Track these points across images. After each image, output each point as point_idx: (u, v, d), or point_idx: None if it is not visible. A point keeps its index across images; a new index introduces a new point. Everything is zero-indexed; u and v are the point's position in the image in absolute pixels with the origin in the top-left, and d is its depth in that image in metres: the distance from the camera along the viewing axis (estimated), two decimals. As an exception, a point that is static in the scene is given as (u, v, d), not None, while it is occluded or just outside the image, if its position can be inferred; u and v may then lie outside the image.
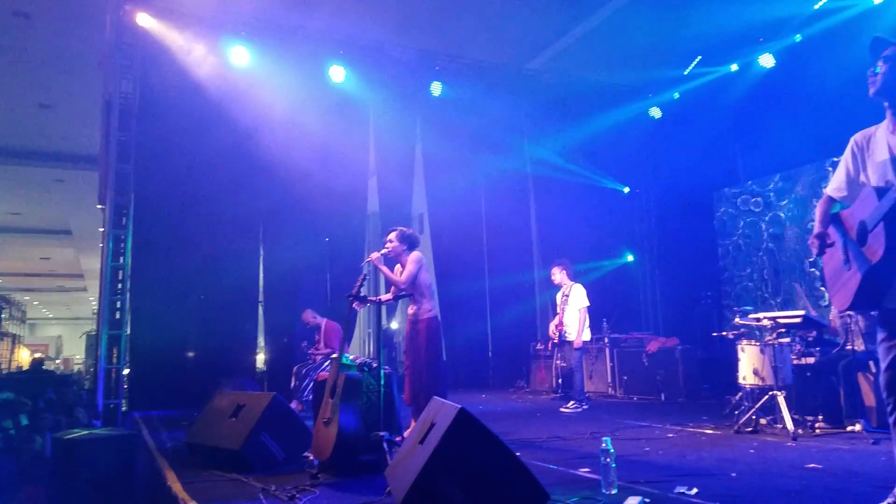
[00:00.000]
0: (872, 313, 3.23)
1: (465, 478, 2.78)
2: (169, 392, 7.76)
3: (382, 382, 4.27)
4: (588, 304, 7.81)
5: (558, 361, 9.10)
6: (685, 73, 10.69)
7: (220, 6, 8.30)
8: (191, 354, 8.43)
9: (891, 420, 3.03)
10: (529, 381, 10.16)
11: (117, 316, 7.97)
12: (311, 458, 4.38)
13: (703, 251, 10.65)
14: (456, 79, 10.12)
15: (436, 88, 10.03)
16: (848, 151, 3.22)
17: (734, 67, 10.21)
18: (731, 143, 10.38)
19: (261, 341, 9.63)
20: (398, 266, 5.65)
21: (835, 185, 3.28)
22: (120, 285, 8.05)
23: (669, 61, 10.35)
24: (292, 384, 7.58)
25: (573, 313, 7.82)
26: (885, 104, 3.01)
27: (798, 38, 9.13)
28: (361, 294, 4.55)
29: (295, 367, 7.75)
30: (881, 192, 2.87)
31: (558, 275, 8.10)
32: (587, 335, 7.87)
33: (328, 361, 7.04)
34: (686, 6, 8.55)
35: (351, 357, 4.66)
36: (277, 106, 8.70)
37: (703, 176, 10.65)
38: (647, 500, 3.37)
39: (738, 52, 9.84)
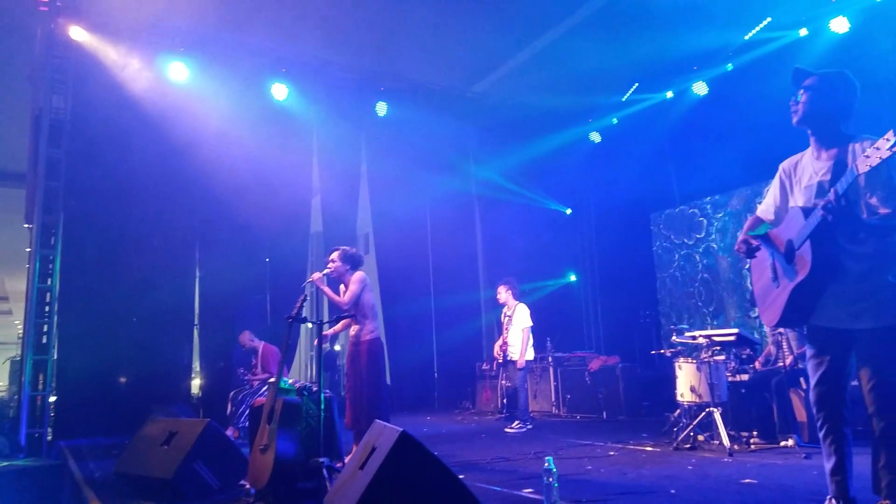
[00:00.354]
0: (800, 330, 3.35)
1: (408, 501, 2.72)
2: (98, 420, 7.42)
3: (323, 407, 4.17)
4: (531, 324, 7.85)
5: (503, 381, 9.12)
6: (623, 99, 10.96)
7: (159, 21, 8.08)
8: (122, 380, 8.08)
9: (821, 435, 3.13)
10: (475, 401, 10.13)
11: (44, 340, 7.56)
12: (248, 486, 4.25)
13: (641, 271, 10.91)
14: (401, 99, 10.11)
15: (381, 108, 10.01)
16: (776, 178, 3.38)
17: (669, 94, 10.51)
18: (666, 166, 10.67)
19: (196, 366, 9.33)
20: (342, 286, 5.57)
21: (763, 207, 3.43)
22: (47, 308, 7.65)
23: (609, 87, 10.61)
24: (228, 410, 7.36)
25: (517, 333, 7.84)
26: (809, 131, 3.16)
27: (730, 66, 9.46)
28: (302, 315, 4.45)
29: (231, 393, 7.52)
30: (807, 211, 2.98)
31: (503, 294, 8.12)
32: (530, 355, 7.90)
33: (266, 386, 6.87)
34: (625, 35, 8.79)
35: (290, 381, 4.55)
36: (217, 123, 8.52)
37: (641, 198, 10.95)
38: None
39: (674, 79, 10.15)
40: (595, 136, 11.85)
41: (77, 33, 7.89)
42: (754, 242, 3.24)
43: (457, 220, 11.12)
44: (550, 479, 3.57)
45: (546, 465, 3.62)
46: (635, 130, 11.03)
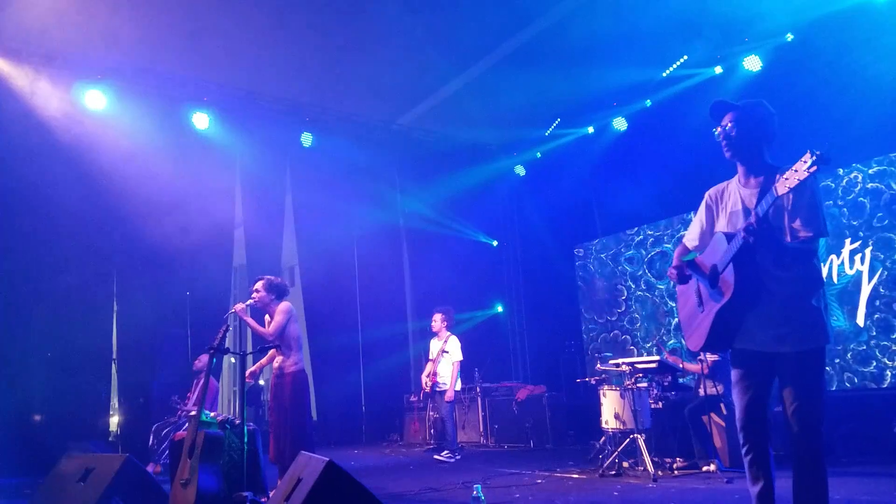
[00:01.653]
0: (723, 355, 3.42)
1: (334, 533, 2.67)
2: (11, 458, 7.02)
3: (246, 440, 4.05)
4: (462, 357, 7.85)
5: (431, 413, 9.10)
6: (546, 133, 11.27)
7: (76, 48, 7.83)
8: (37, 418, 7.71)
9: (747, 459, 3.12)
10: (403, 434, 10.04)
11: None
12: (168, 525, 4.07)
13: (565, 301, 11.12)
14: (327, 130, 10.13)
15: (306, 139, 9.98)
16: (703, 205, 3.43)
17: (591, 129, 10.88)
18: (589, 200, 10.98)
19: (114, 402, 8.90)
20: (266, 317, 5.46)
21: (690, 235, 3.48)
22: None
23: (532, 122, 10.90)
24: (150, 443, 7.04)
25: (447, 365, 7.82)
26: (736, 161, 3.22)
27: (648, 103, 9.87)
28: (224, 346, 4.34)
29: (154, 426, 7.21)
30: (730, 236, 3.06)
31: (439, 322, 8.05)
32: (458, 386, 7.89)
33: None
34: (546, 71, 9.07)
35: (213, 414, 4.41)
36: (136, 152, 8.31)
37: (565, 230, 11.23)
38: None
39: (595, 115, 10.52)
40: (520, 170, 12.12)
41: None
42: (687, 271, 3.30)
43: (384, 252, 11.12)
44: (480, 507, 3.58)
45: (475, 492, 3.63)
46: (558, 164, 11.33)
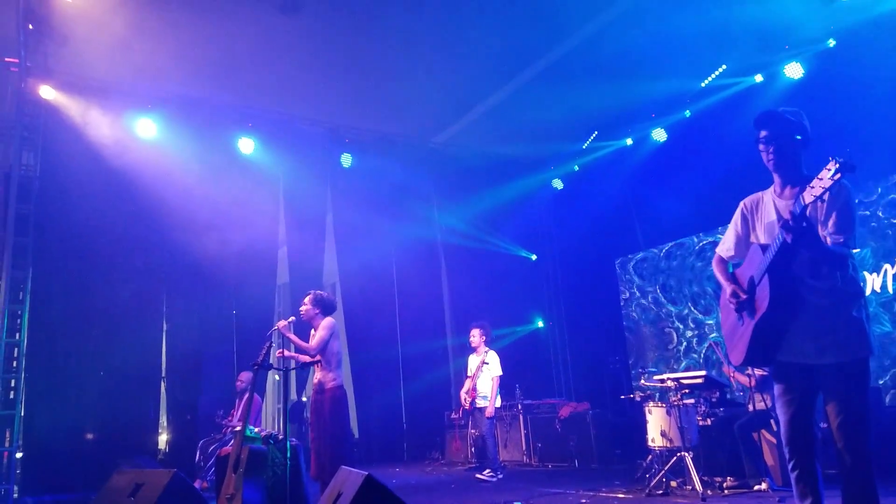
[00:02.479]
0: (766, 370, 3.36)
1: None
2: (65, 476, 7.32)
3: (289, 455, 4.09)
4: (501, 372, 7.76)
5: (472, 431, 9.02)
6: (584, 146, 11.21)
7: (126, 80, 8.23)
8: (89, 436, 7.94)
9: (793, 477, 3.07)
10: (444, 452, 9.97)
11: (11, 395, 7.45)
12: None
13: (608, 315, 10.97)
14: (365, 150, 10.31)
15: (346, 160, 10.17)
16: (738, 214, 3.41)
17: (629, 141, 10.78)
18: (629, 212, 10.85)
19: (163, 420, 9.09)
20: (312, 330, 5.54)
21: (725, 245, 3.45)
22: (15, 363, 7.56)
23: (569, 135, 10.87)
24: (196, 458, 7.16)
25: (487, 381, 7.73)
26: (775, 172, 3.22)
27: (688, 113, 9.73)
28: (268, 363, 4.40)
29: (200, 442, 7.35)
30: (765, 248, 3.05)
31: (477, 337, 7.97)
32: (498, 402, 7.82)
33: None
34: (582, 86, 9.03)
35: (256, 430, 4.46)
36: (184, 178, 8.58)
37: (605, 244, 11.11)
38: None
39: (633, 126, 10.43)
40: (557, 183, 12.06)
41: (47, 92, 8.04)
42: (743, 296, 3.15)
43: (422, 268, 11.15)
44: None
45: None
46: (597, 177, 11.26)
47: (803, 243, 2.86)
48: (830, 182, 2.64)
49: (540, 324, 11.79)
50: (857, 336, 2.94)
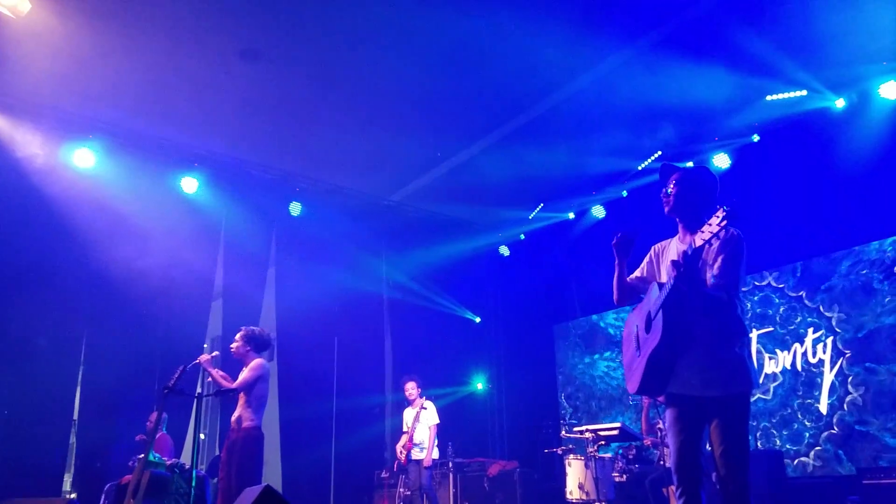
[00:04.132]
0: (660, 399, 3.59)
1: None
2: None
3: (194, 485, 4.03)
4: (439, 421, 7.87)
5: (402, 490, 8.88)
6: (530, 216, 11.54)
7: (67, 106, 8.01)
8: None
9: (679, 502, 3.26)
10: (372, 511, 9.76)
11: None
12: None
13: (545, 379, 11.09)
14: (316, 201, 10.27)
15: (294, 208, 10.11)
16: (647, 256, 3.74)
17: (571, 215, 11.19)
18: (569, 281, 11.16)
19: (70, 464, 8.66)
20: (244, 368, 5.49)
21: (635, 275, 3.76)
22: None
23: (518, 204, 11.16)
24: (101, 502, 6.87)
25: (424, 430, 7.81)
26: (677, 219, 3.54)
27: (624, 193, 10.20)
28: (179, 387, 4.37)
29: (107, 486, 7.06)
30: (661, 286, 3.31)
31: (414, 391, 8.14)
32: (436, 454, 7.84)
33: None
34: (534, 154, 9.38)
35: (165, 459, 4.38)
36: (120, 212, 8.38)
37: (545, 310, 11.35)
38: None
39: (575, 201, 10.85)
40: (504, 250, 12.34)
41: None
42: (631, 237, 3.63)
43: (366, 323, 11.12)
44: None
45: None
46: (540, 246, 11.61)
47: (690, 284, 3.10)
48: (718, 228, 2.90)
49: (479, 385, 11.80)
50: (739, 371, 3.18)
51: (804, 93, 7.63)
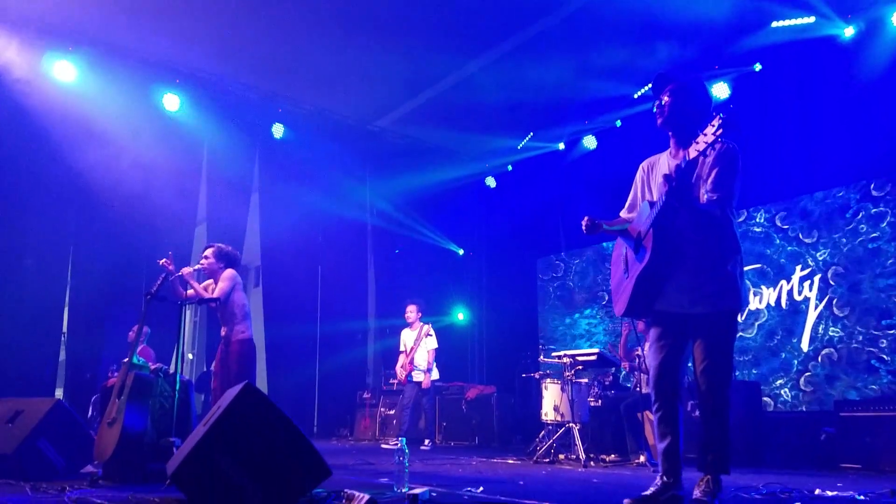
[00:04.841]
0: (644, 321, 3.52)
1: (246, 452, 2.74)
2: None
3: (178, 388, 4.10)
4: (437, 346, 8.19)
5: (382, 409, 9.26)
6: (518, 147, 11.45)
7: (49, 15, 7.67)
8: None
9: (655, 418, 3.29)
10: (353, 430, 10.03)
11: None
12: (94, 471, 4.09)
13: (526, 313, 11.24)
14: (299, 123, 10.10)
15: (277, 130, 9.97)
16: (637, 176, 3.60)
17: (561, 146, 11.09)
18: (555, 214, 11.16)
19: (61, 376, 8.80)
20: (212, 284, 5.49)
21: (626, 206, 3.64)
22: None
23: (506, 133, 11.05)
24: (89, 413, 7.01)
25: (423, 353, 8.07)
26: (670, 133, 3.39)
27: (618, 123, 10.05)
28: (161, 294, 4.40)
29: (94, 397, 7.18)
30: (653, 204, 3.23)
31: (413, 313, 8.40)
32: (436, 374, 8.18)
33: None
34: (523, 82, 9.24)
35: (149, 364, 4.44)
36: (103, 130, 8.21)
37: (529, 243, 11.38)
38: (434, 493, 3.46)
39: (565, 131, 10.71)
40: (490, 181, 12.29)
41: None
42: (599, 224, 3.46)
43: (349, 249, 11.16)
44: (402, 458, 3.67)
45: (398, 444, 3.71)
46: (528, 178, 11.53)
47: (682, 200, 3.05)
48: (713, 137, 2.81)
49: (461, 316, 11.96)
50: (729, 289, 3.14)
51: (812, 19, 7.34)
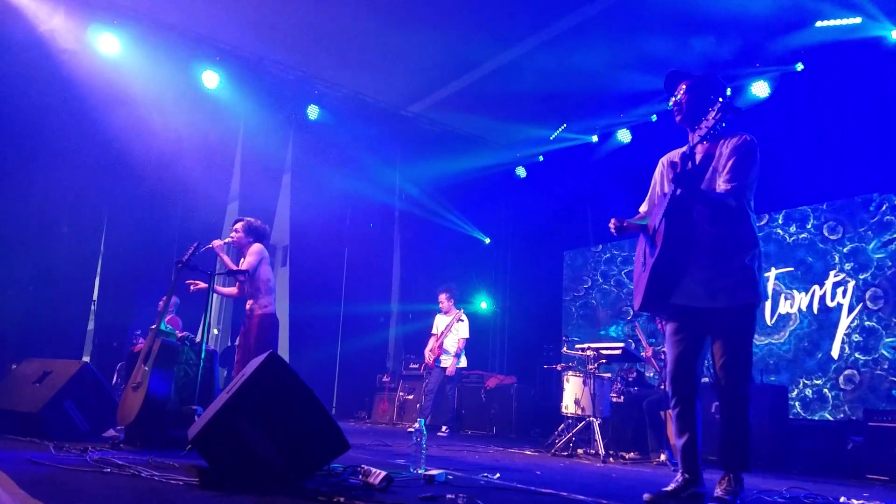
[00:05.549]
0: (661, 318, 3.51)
1: (268, 420, 2.75)
2: None
3: (203, 357, 4.14)
4: (468, 336, 8.26)
5: (401, 393, 9.28)
6: (551, 137, 11.35)
7: None
8: (13, 367, 7.66)
9: (673, 414, 3.26)
10: (371, 412, 10.07)
11: None
12: (117, 434, 4.16)
13: (551, 305, 11.17)
14: (334, 105, 10.19)
15: (312, 111, 10.03)
16: (657, 171, 3.58)
17: (595, 138, 10.97)
18: (584, 207, 11.06)
19: (88, 344, 8.96)
20: (242, 258, 5.55)
21: (645, 201, 3.62)
22: None
23: (538, 123, 10.97)
24: (114, 380, 7.13)
25: (453, 340, 8.08)
26: (687, 128, 3.36)
27: (654, 117, 9.91)
28: (192, 262, 4.44)
29: (119, 365, 7.30)
30: (664, 195, 3.20)
31: (446, 302, 8.41)
32: (463, 363, 8.25)
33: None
34: (556, 75, 9.15)
35: (176, 332, 4.50)
36: (142, 101, 8.34)
37: (557, 235, 11.30)
38: (450, 476, 3.45)
39: (600, 123, 10.60)
40: (521, 171, 12.22)
41: None
42: (624, 223, 3.44)
43: (376, 231, 11.20)
44: (420, 440, 3.66)
45: (416, 425, 3.71)
46: (559, 169, 11.44)
47: (687, 186, 3.04)
48: (713, 121, 2.89)
49: (484, 305, 11.93)
50: (747, 283, 3.08)
51: (858, 20, 7.16)
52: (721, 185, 3.12)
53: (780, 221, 7.94)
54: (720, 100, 2.86)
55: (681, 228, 3.08)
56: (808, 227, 7.71)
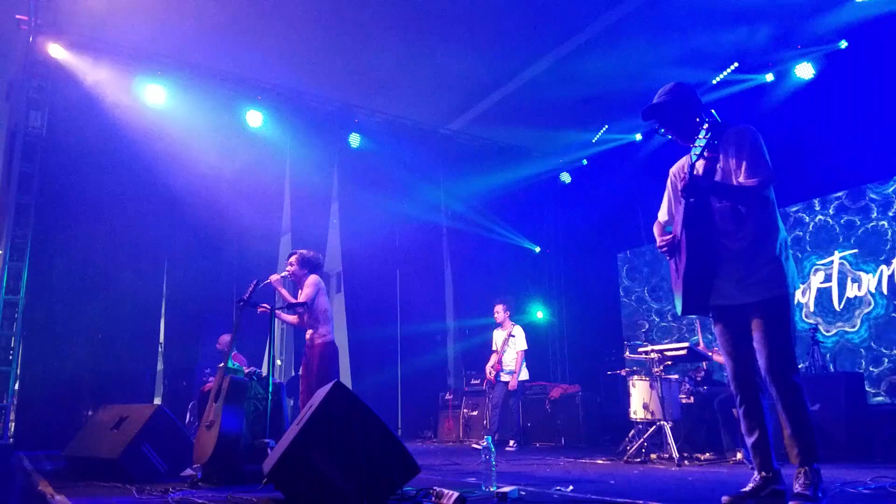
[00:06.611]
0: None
1: (338, 450, 2.79)
2: (59, 433, 6.96)
3: (271, 390, 4.22)
4: (527, 347, 8.18)
5: (465, 410, 9.26)
6: (593, 140, 11.28)
7: (137, 43, 8.25)
8: (89, 413, 7.67)
9: (740, 413, 3.25)
10: (437, 431, 10.08)
11: (10, 355, 7.48)
12: (194, 473, 4.26)
13: (608, 308, 11.03)
14: (375, 132, 10.36)
15: (354, 140, 10.22)
16: (668, 182, 3.66)
17: (638, 137, 10.85)
18: (634, 207, 10.91)
19: (159, 386, 9.24)
20: (300, 290, 5.66)
21: (661, 212, 3.70)
22: (15, 323, 7.59)
23: (579, 127, 10.92)
24: (187, 419, 7.32)
25: (512, 354, 8.07)
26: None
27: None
28: (253, 300, 4.54)
29: (191, 403, 7.49)
30: (680, 204, 3.30)
31: (501, 313, 8.38)
32: (525, 375, 8.17)
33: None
34: (593, 78, 9.11)
35: (243, 367, 4.60)
36: (191, 147, 8.63)
37: (608, 237, 11.18)
38: (523, 492, 3.43)
39: (642, 121, 10.41)
40: (565, 177, 12.16)
41: (56, 51, 7.97)
42: (664, 238, 3.47)
43: (426, 252, 11.23)
44: (489, 457, 3.65)
45: (484, 443, 3.70)
46: (604, 171, 11.35)
47: (712, 188, 3.16)
48: (706, 140, 3.09)
49: (539, 314, 11.84)
50: (776, 274, 3.12)
51: None
52: (746, 182, 3.16)
53: (844, 201, 7.67)
54: (706, 120, 3.10)
55: (702, 234, 3.18)
56: (872, 206, 7.44)
